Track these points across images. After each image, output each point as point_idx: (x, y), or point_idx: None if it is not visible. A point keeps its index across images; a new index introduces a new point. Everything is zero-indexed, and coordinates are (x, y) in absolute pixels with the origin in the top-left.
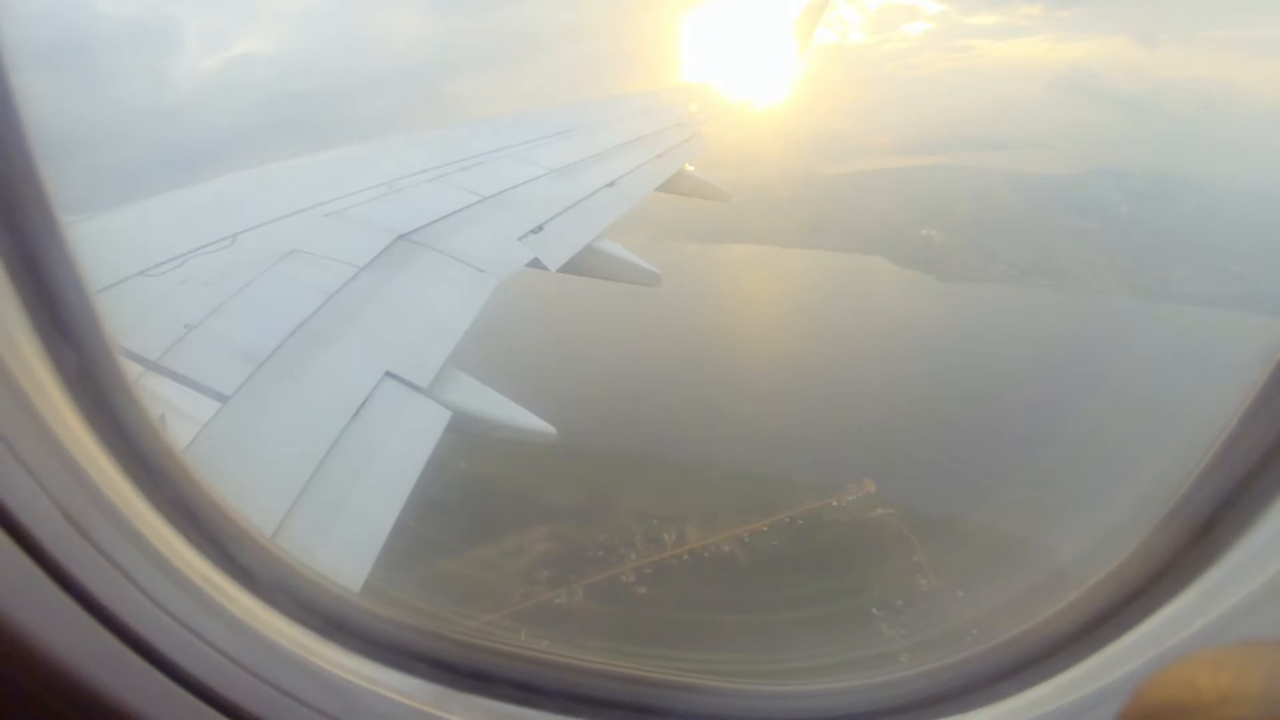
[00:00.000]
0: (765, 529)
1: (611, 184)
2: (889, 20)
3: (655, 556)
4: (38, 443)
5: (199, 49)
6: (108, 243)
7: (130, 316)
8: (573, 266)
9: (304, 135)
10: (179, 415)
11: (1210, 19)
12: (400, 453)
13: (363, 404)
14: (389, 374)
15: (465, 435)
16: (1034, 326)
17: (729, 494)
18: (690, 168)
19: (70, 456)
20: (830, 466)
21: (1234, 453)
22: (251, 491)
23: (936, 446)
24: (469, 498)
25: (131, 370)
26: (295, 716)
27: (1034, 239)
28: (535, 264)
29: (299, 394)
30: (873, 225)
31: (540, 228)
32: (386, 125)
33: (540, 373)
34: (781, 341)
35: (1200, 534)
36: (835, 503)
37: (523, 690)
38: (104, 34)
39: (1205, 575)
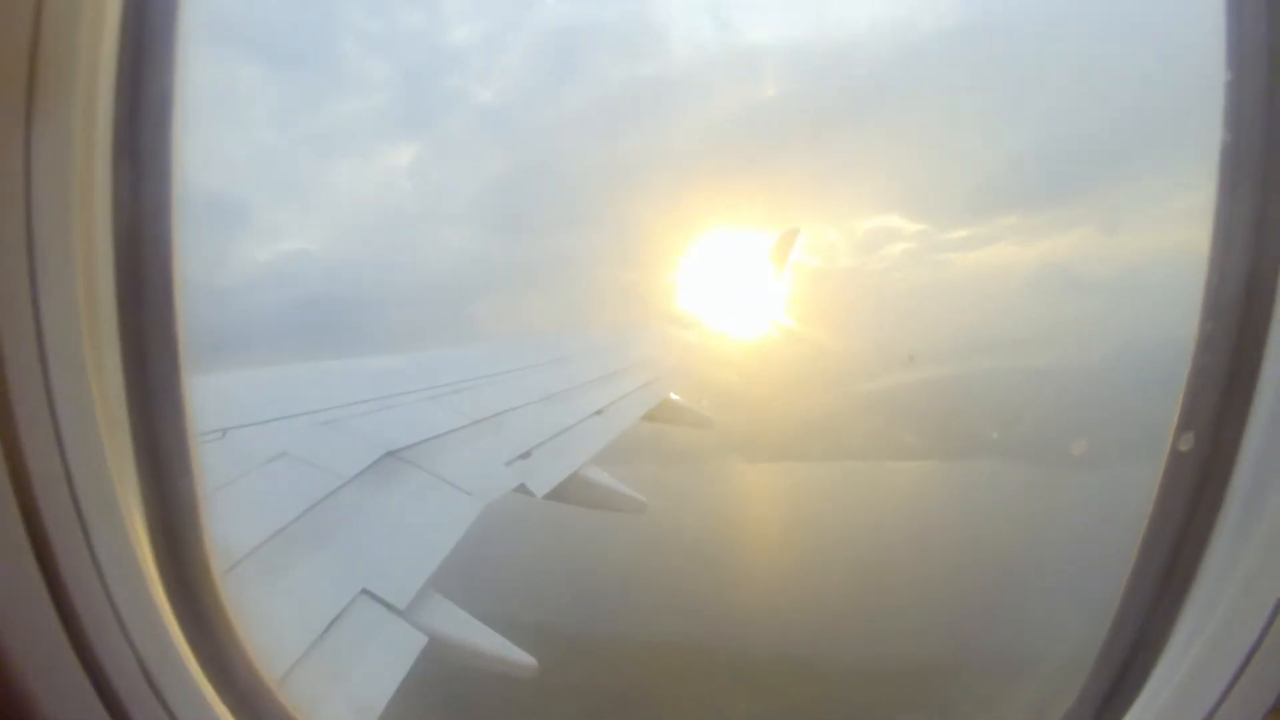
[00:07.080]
0: None
1: (600, 411)
2: (872, 242)
3: None
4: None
5: (259, 237)
6: None
7: None
8: (559, 493)
9: (331, 337)
10: None
11: (1159, 197)
12: (371, 676)
13: (334, 620)
14: (365, 591)
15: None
16: None
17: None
18: (675, 395)
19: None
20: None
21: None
22: None
23: None
24: None
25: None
26: None
27: (1115, 429)
28: (522, 489)
29: (270, 600)
30: (963, 431)
31: (529, 453)
32: (406, 336)
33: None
34: (943, 550)
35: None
36: None
37: None
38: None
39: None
